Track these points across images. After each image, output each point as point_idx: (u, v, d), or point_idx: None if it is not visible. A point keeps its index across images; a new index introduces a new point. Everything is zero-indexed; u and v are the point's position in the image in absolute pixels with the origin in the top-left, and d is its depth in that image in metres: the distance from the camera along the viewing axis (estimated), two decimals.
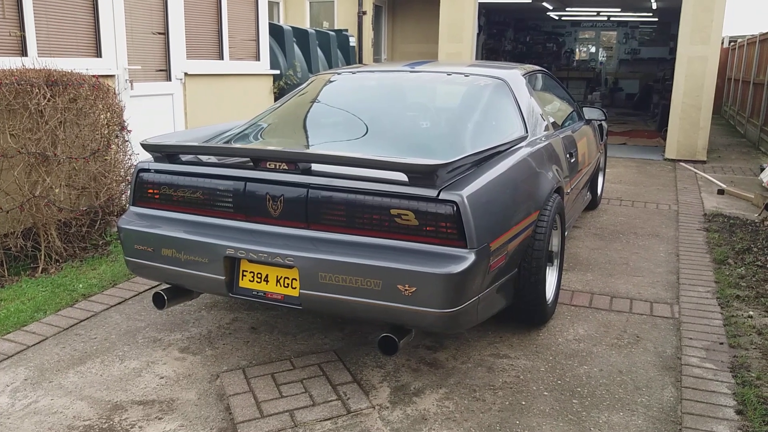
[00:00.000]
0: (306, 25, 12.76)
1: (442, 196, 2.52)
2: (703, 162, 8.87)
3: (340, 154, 2.66)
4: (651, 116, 14.70)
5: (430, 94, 3.84)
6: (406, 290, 2.49)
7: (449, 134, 3.41)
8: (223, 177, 2.88)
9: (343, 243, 2.65)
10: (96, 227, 4.71)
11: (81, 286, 3.94)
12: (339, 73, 4.13)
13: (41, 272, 4.18)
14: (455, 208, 2.50)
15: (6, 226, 4.15)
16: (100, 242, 4.73)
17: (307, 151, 2.81)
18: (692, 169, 8.36)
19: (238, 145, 3.27)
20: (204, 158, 3.07)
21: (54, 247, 4.33)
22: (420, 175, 2.52)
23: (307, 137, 3.61)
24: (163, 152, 2.99)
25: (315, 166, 2.74)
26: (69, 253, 4.44)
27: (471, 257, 2.51)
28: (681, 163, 8.76)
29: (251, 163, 2.81)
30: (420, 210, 2.54)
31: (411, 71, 3.96)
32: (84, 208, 4.51)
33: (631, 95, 17.89)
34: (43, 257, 4.26)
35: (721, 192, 6.91)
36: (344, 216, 2.65)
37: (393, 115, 3.61)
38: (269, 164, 2.77)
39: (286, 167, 2.74)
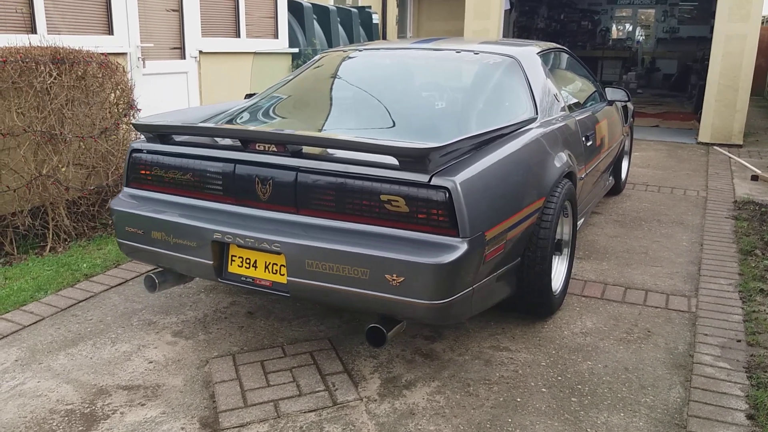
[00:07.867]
0: (327, 1, 12.54)
1: (434, 181, 2.38)
2: (739, 146, 8.47)
3: (327, 136, 2.54)
4: (688, 97, 14.15)
5: (433, 73, 3.66)
6: (394, 280, 2.37)
7: (450, 115, 3.24)
8: (213, 159, 2.79)
9: (332, 229, 2.54)
10: (105, 206, 4.69)
11: (85, 265, 3.93)
12: (345, 51, 3.99)
13: (49, 251, 4.18)
14: (447, 195, 2.36)
15: (14, 204, 4.15)
16: (109, 221, 4.73)
17: (294, 132, 2.69)
18: (726, 153, 7.99)
19: (226, 126, 3.18)
20: (197, 139, 2.98)
21: (62, 226, 4.33)
22: (411, 159, 2.39)
23: (304, 118, 3.49)
24: (153, 132, 2.92)
25: (305, 149, 2.63)
26: (78, 232, 4.44)
27: (463, 247, 2.37)
28: (715, 147, 8.39)
29: (240, 145, 2.71)
30: (411, 196, 2.41)
31: (417, 49, 3.80)
32: (92, 188, 4.50)
33: (669, 75, 17.21)
34: (51, 236, 4.26)
35: (755, 178, 6.57)
36: (333, 201, 2.53)
37: (394, 95, 3.45)
38: (258, 146, 2.67)
39: (275, 149, 2.64)
